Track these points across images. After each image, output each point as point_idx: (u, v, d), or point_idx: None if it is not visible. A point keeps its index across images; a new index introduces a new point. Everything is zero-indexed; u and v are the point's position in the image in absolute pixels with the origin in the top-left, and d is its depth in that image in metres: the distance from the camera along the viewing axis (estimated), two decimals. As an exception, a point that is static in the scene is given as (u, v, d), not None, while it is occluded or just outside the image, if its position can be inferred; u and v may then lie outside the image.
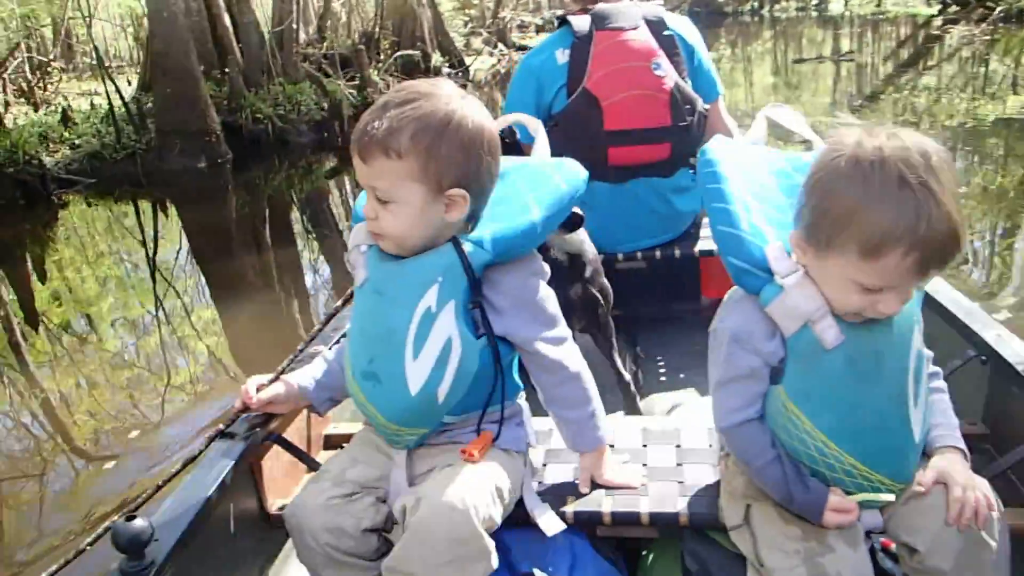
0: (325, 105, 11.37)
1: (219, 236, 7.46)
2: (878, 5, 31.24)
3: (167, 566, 1.26)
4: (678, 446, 1.60)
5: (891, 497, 1.21)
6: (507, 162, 1.40)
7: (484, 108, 1.30)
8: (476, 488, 1.28)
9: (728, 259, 1.23)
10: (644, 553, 1.53)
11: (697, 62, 2.42)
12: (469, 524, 1.23)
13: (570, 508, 1.43)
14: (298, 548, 1.42)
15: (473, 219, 1.34)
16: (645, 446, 1.61)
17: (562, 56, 2.31)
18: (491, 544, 1.27)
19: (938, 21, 21.39)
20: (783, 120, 1.47)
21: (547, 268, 1.40)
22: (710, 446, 1.58)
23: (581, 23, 2.31)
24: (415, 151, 1.21)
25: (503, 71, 18.96)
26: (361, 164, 1.25)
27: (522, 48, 22.23)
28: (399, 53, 14.26)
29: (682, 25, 2.40)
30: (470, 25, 22.17)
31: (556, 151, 1.56)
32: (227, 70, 10.80)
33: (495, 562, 1.28)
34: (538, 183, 1.39)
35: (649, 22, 2.32)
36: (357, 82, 12.40)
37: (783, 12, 33.10)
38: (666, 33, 2.33)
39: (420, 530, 1.23)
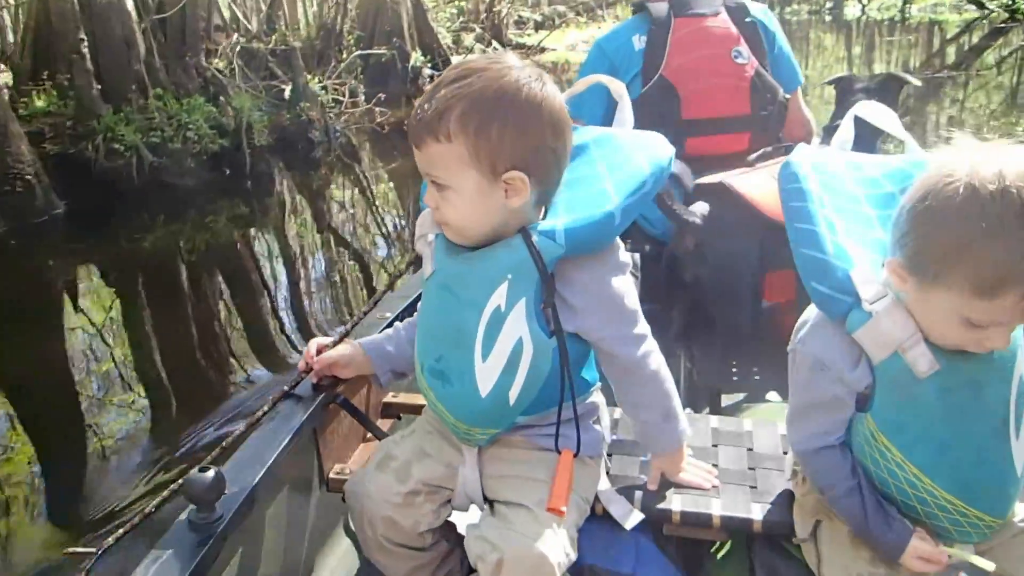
0: (247, 125, 7.37)
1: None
2: (901, 10, 28.30)
3: (235, 521, 1.22)
4: (750, 449, 1.49)
5: (990, 566, 1.06)
6: (587, 133, 1.30)
7: (550, 81, 1.14)
8: (558, 536, 1.17)
9: (811, 284, 1.11)
10: (713, 554, 1.43)
11: (778, 50, 2.25)
12: None
13: (637, 502, 1.35)
14: (355, 528, 1.39)
15: (544, 204, 1.20)
16: (715, 446, 1.51)
17: (639, 42, 2.16)
18: None
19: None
20: (874, 119, 1.31)
21: (628, 260, 1.24)
22: (784, 453, 1.45)
23: (659, 9, 2.16)
24: (464, 133, 1.09)
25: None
26: (416, 151, 1.14)
27: (519, 47, 19.09)
28: (357, 53, 10.58)
29: (762, 12, 2.24)
30: (461, 19, 18.52)
31: None
32: (71, 76, 6.73)
33: None
34: (619, 164, 1.24)
35: (730, 9, 2.18)
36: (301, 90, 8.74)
37: (794, 15, 30.23)
38: (748, 20, 2.17)
39: None
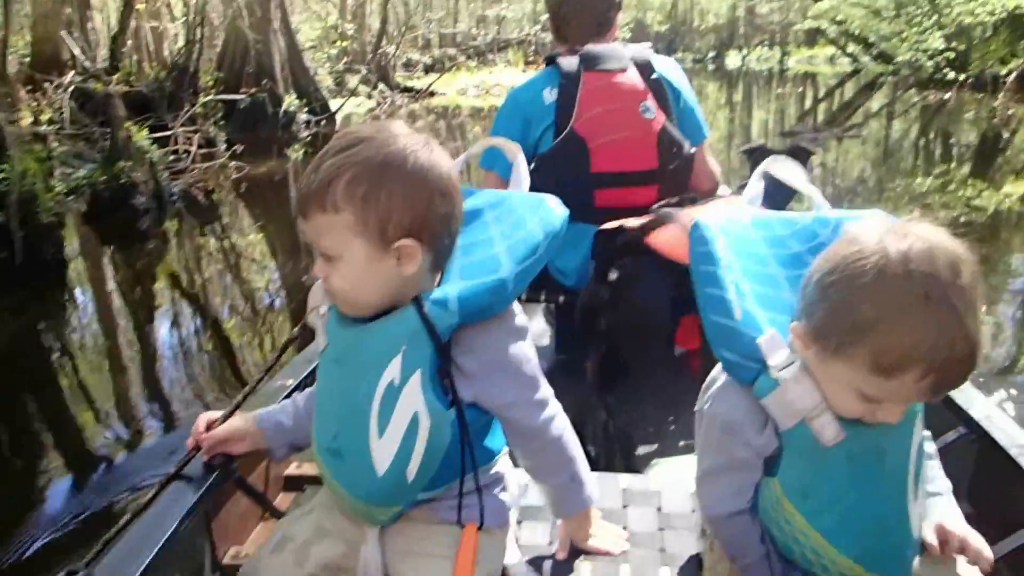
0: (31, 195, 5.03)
1: None
2: (780, 61, 29.09)
3: None
4: (659, 509, 1.48)
5: None
6: (481, 197, 1.27)
7: (438, 147, 1.11)
8: None
9: (720, 351, 1.09)
10: None
11: (684, 105, 2.22)
12: None
13: (546, 573, 1.31)
14: None
15: (439, 270, 1.15)
16: (625, 507, 1.48)
17: (550, 95, 2.13)
18: None
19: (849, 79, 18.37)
20: (783, 175, 1.34)
21: (526, 324, 1.18)
22: (692, 511, 1.45)
23: (569, 63, 2.13)
24: (352, 202, 1.04)
25: (383, 117, 14.54)
26: (303, 221, 1.09)
27: (407, 90, 18.08)
28: (212, 97, 9.13)
29: (669, 68, 2.20)
30: (345, 61, 17.31)
31: (542, 191, 1.37)
32: None
33: None
34: (512, 229, 1.20)
35: (638, 64, 2.13)
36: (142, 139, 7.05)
37: (680, 63, 30.58)
38: (654, 76, 2.13)
39: None
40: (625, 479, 1.57)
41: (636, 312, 2.00)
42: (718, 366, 1.14)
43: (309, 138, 11.48)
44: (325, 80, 15.41)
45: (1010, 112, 11.32)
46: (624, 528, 1.42)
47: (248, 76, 11.38)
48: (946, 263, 0.90)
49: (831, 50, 25.91)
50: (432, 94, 18.07)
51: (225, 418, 1.37)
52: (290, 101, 11.50)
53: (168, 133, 7.49)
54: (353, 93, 16.16)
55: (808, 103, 16.83)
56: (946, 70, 13.19)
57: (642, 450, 2.02)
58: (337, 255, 1.07)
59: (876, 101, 14.82)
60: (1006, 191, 7.03)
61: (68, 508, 2.79)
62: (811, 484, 1.06)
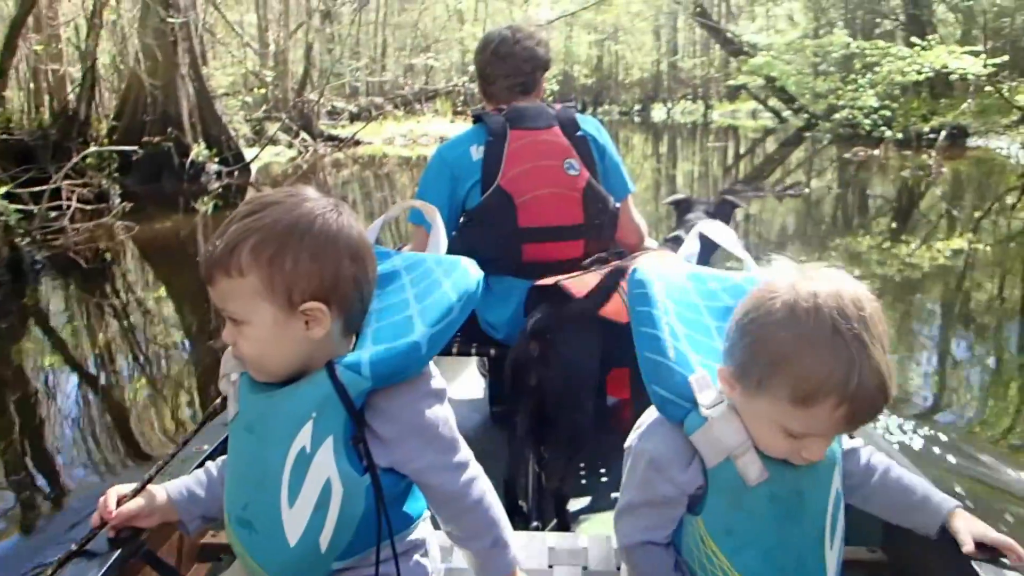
0: None
1: None
2: (704, 115, 29.53)
3: None
4: (584, 568, 1.47)
5: None
6: (397, 260, 1.26)
7: (347, 211, 1.10)
8: None
9: (652, 387, 1.12)
10: None
11: (608, 161, 2.28)
12: None
13: None
14: None
15: (351, 333, 1.13)
16: (551, 567, 1.47)
17: (477, 152, 2.17)
18: None
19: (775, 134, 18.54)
20: (716, 238, 1.40)
21: (443, 386, 1.16)
22: (617, 569, 1.43)
23: (495, 121, 2.18)
24: (256, 266, 1.02)
25: (305, 167, 13.78)
26: (209, 287, 1.07)
27: (332, 139, 17.32)
28: (93, 150, 8.17)
29: (593, 126, 2.28)
30: (264, 108, 16.45)
31: (471, 246, 1.44)
32: None
33: None
34: (426, 291, 1.18)
35: (562, 123, 2.19)
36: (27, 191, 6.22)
37: (606, 115, 30.88)
38: (579, 134, 2.20)
39: None
40: (552, 538, 1.56)
41: (566, 366, 1.99)
42: (650, 408, 1.16)
43: (220, 190, 10.60)
44: (242, 129, 14.53)
45: (943, 170, 11.26)
46: None
47: (152, 124, 10.44)
48: (851, 300, 0.97)
49: (753, 104, 26.35)
50: (358, 143, 17.37)
51: (135, 492, 1.28)
52: (198, 151, 10.59)
53: (44, 188, 6.45)
54: (272, 141, 15.32)
55: (732, 156, 16.79)
56: (882, 128, 13.23)
57: (572, 504, 2.01)
58: (244, 319, 1.05)
59: (801, 156, 14.81)
60: (940, 247, 6.92)
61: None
62: (733, 523, 1.08)
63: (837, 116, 15.02)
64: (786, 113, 21.59)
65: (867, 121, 13.80)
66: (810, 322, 0.96)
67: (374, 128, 18.77)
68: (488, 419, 2.36)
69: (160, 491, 1.27)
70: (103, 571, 1.22)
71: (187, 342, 4.91)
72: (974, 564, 1.20)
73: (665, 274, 1.23)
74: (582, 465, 2.15)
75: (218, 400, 1.34)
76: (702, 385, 1.08)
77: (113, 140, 9.20)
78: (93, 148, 8.09)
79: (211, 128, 11.20)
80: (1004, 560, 1.21)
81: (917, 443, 3.14)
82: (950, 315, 5.10)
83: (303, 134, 16.40)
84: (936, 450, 3.09)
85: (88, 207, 7.38)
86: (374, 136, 18.17)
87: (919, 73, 13.15)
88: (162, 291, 6.23)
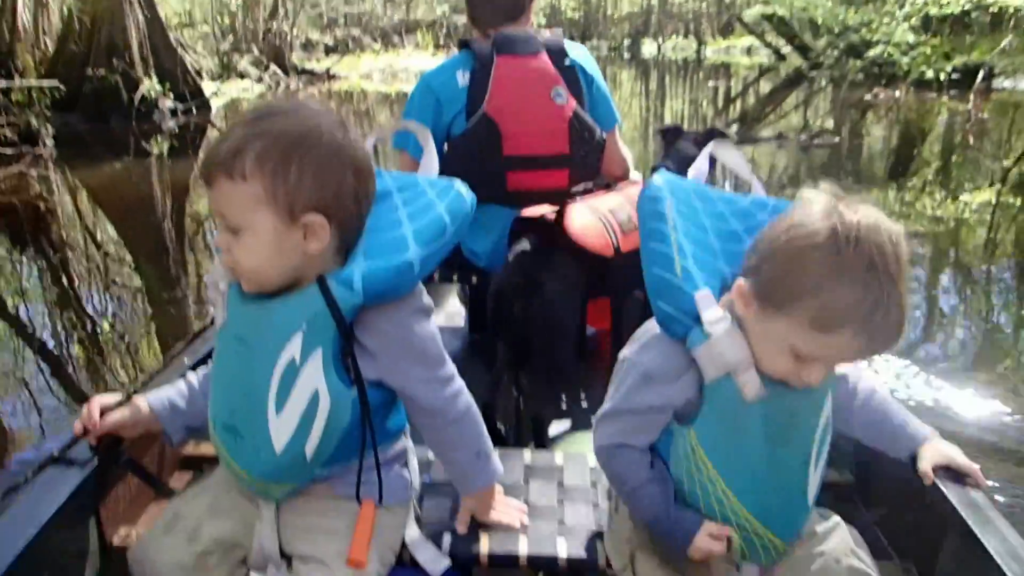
0: None
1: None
2: (697, 51, 28.14)
3: None
4: (561, 483, 1.48)
5: (780, 542, 1.14)
6: (390, 180, 1.22)
7: (353, 130, 1.09)
8: None
9: (657, 303, 1.11)
10: None
11: (596, 91, 2.23)
12: None
13: (446, 546, 1.28)
14: None
15: (344, 250, 1.11)
16: (527, 482, 1.47)
17: (463, 78, 2.10)
18: None
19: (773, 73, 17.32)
20: (726, 159, 1.39)
21: (431, 304, 1.17)
22: (592, 484, 1.47)
23: (482, 47, 2.10)
24: (261, 173, 1.01)
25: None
26: (208, 189, 1.05)
27: (305, 73, 15.97)
28: (20, 83, 6.98)
29: (582, 55, 2.21)
30: (230, 39, 15.05)
31: (455, 174, 1.35)
32: None
33: None
34: (419, 212, 1.16)
35: (550, 50, 2.11)
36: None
37: (594, 51, 29.32)
38: (567, 62, 2.12)
39: None
40: (529, 455, 1.56)
41: (548, 297, 1.98)
42: (648, 322, 1.16)
43: (176, 129, 9.44)
44: (205, 62, 13.19)
45: (983, 115, 10.12)
46: (525, 502, 1.40)
47: (96, 55, 9.17)
48: (888, 236, 0.97)
49: (749, 41, 25.00)
50: (333, 77, 16.06)
51: (119, 404, 1.27)
52: (149, 86, 9.35)
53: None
54: (240, 75, 14.00)
55: (730, 95, 15.61)
56: (922, 68, 11.90)
57: (551, 429, 2.00)
58: (242, 226, 1.03)
59: (809, 97, 13.62)
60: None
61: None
62: (726, 438, 1.09)
63: (871, 53, 13.39)
64: (786, 50, 20.32)
65: (905, 59, 12.37)
66: (850, 252, 0.95)
67: (351, 62, 17.44)
68: (468, 346, 2.35)
69: (143, 402, 1.26)
70: (84, 477, 1.23)
71: (141, 294, 4.52)
72: (937, 487, 1.23)
73: (676, 191, 1.21)
74: (562, 393, 2.16)
75: (208, 321, 1.32)
76: (707, 303, 1.07)
77: (45, 74, 7.95)
78: (1, 83, 6.84)
79: (164, 61, 9.92)
80: (967, 483, 1.24)
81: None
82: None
83: (274, 67, 15.05)
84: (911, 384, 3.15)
85: (9, 151, 6.27)
86: (350, 71, 16.87)
87: (960, 4, 11.70)
88: (104, 239, 5.46)
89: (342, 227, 1.06)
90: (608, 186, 2.20)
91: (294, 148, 1.00)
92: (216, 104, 11.01)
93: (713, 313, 1.06)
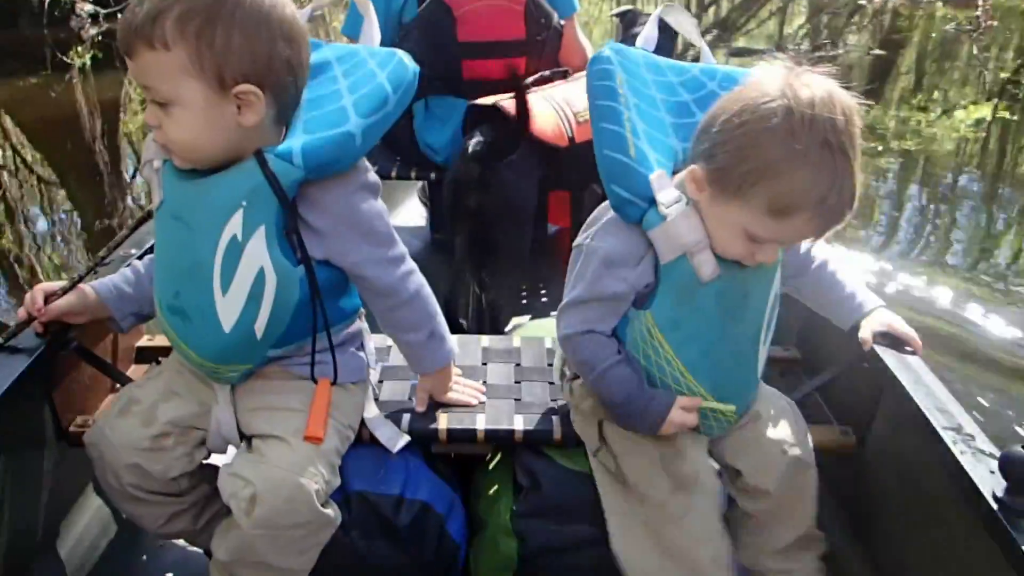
0: None
1: None
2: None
3: None
4: (517, 364, 1.50)
5: (732, 407, 1.17)
6: (329, 50, 1.18)
7: None
8: (315, 464, 1.10)
9: (611, 187, 1.09)
10: (484, 467, 1.40)
11: None
12: (311, 508, 1.09)
13: (405, 425, 1.30)
14: (100, 480, 1.25)
15: (282, 124, 1.08)
16: (485, 364, 1.50)
17: None
18: (333, 511, 1.14)
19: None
20: (676, 24, 1.37)
21: (377, 181, 1.14)
22: (548, 365, 1.47)
23: None
24: (183, 38, 0.96)
25: None
26: (129, 61, 1.00)
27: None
28: None
29: None
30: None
31: None
32: None
33: (339, 520, 1.16)
34: (360, 82, 1.13)
35: None
36: None
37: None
38: None
39: (261, 523, 1.07)
40: (486, 339, 1.57)
41: (505, 190, 1.92)
42: (601, 206, 1.15)
43: (100, 37, 8.26)
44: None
45: (992, 23, 9.14)
46: (483, 383, 1.41)
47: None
48: (842, 110, 0.95)
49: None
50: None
51: (64, 291, 1.25)
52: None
53: None
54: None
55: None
56: None
57: (508, 318, 2.04)
58: (170, 99, 0.99)
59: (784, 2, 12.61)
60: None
61: None
62: (681, 317, 1.10)
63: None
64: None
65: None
66: (804, 134, 0.93)
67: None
68: (429, 245, 2.28)
69: (89, 289, 1.25)
70: (30, 362, 1.21)
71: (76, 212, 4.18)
72: (876, 353, 1.26)
73: (626, 64, 1.16)
74: (523, 288, 2.13)
75: (152, 206, 1.20)
76: (661, 184, 1.06)
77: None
78: None
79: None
80: (905, 350, 1.28)
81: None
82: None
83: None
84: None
85: None
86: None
87: None
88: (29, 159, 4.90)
89: (278, 97, 1.03)
90: (565, 74, 2.11)
91: (217, 10, 0.95)
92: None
93: (668, 195, 1.05)
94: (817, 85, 0.96)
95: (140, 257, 1.41)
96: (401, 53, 1.17)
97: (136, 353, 1.57)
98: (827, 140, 0.93)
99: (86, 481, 1.44)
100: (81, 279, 1.28)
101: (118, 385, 1.44)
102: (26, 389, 1.22)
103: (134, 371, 1.54)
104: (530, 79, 2.01)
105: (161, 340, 1.55)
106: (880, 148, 4.98)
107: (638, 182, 1.06)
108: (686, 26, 1.34)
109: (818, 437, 1.25)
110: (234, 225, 1.03)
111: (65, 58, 7.50)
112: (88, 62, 7.53)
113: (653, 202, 1.05)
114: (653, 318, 1.10)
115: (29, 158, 5.12)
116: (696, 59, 1.38)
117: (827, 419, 1.43)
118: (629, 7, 2.52)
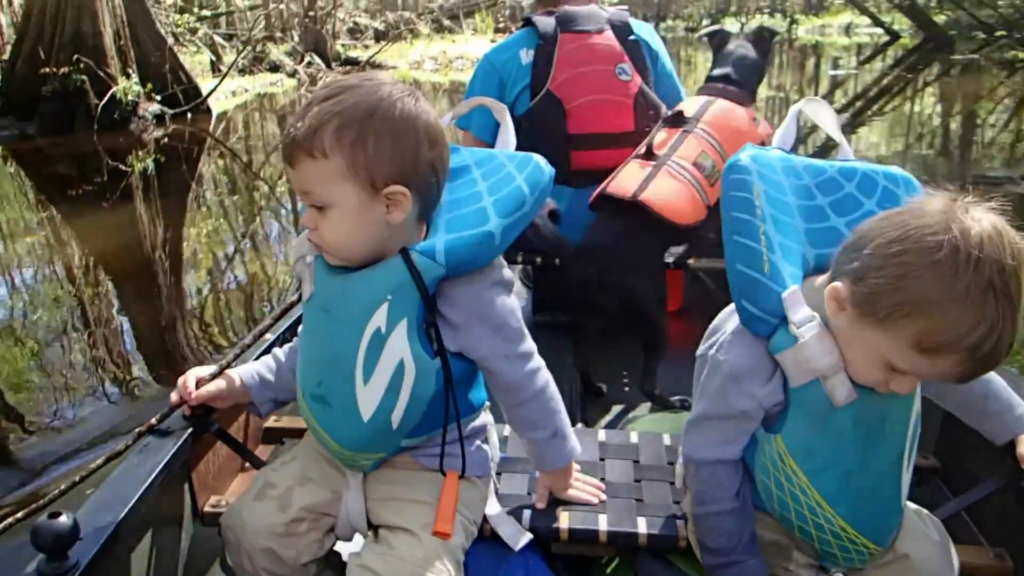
0: None
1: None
2: (788, 29, 24.99)
3: (92, 569, 1.07)
4: (636, 461, 1.43)
5: (874, 546, 1.08)
6: (468, 154, 1.20)
7: (423, 98, 1.08)
8: (442, 559, 1.10)
9: (742, 302, 1.04)
10: (603, 568, 1.34)
11: (661, 68, 2.20)
12: None
13: (526, 522, 1.26)
14: (232, 563, 1.25)
15: (425, 221, 1.12)
16: (603, 459, 1.43)
17: (526, 56, 2.07)
18: None
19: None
20: (817, 118, 1.26)
21: (512, 277, 1.15)
22: (669, 464, 1.41)
23: (546, 24, 2.07)
24: (340, 147, 1.00)
25: (302, 99, 10.41)
26: (290, 170, 1.05)
27: (350, 62, 13.85)
28: None
29: (646, 31, 2.19)
30: (258, 25, 13.01)
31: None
32: None
33: None
34: (499, 184, 1.14)
35: (614, 26, 2.09)
36: None
37: (669, 32, 26.44)
38: (631, 38, 2.09)
39: None
40: (603, 433, 1.53)
41: (628, 276, 1.86)
42: (724, 312, 1.12)
43: (166, 139, 7.36)
44: (226, 54, 11.17)
45: None
46: (602, 479, 1.37)
47: (60, 49, 7.14)
48: (1012, 252, 0.86)
49: (847, 18, 21.71)
50: (378, 67, 13.84)
51: (213, 376, 1.29)
52: (123, 86, 7.25)
53: None
54: (275, 69, 11.98)
55: (845, 77, 12.68)
56: None
57: (619, 408, 1.97)
58: (328, 202, 1.03)
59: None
60: None
61: (44, 458, 2.45)
62: (815, 443, 1.03)
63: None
64: (897, 27, 17.11)
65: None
66: (969, 275, 0.84)
67: (399, 50, 15.21)
68: (532, 328, 1.82)
69: (235, 374, 1.28)
70: (178, 445, 1.25)
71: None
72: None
73: (763, 171, 1.09)
74: (628, 372, 2.07)
75: (296, 296, 1.28)
76: (794, 301, 1.00)
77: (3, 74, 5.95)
78: None
79: (148, 52, 7.81)
80: None
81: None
82: None
83: (312, 56, 12.96)
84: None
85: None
86: (398, 59, 14.62)
87: None
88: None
89: (422, 196, 1.06)
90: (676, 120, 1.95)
91: (369, 121, 1.00)
92: (236, 102, 8.89)
93: (802, 314, 0.98)
94: (986, 221, 0.86)
95: (278, 342, 1.48)
96: (538, 157, 1.18)
97: (263, 433, 1.58)
98: (992, 282, 0.84)
99: (212, 560, 1.40)
100: (229, 364, 1.30)
101: (247, 464, 1.46)
102: (172, 471, 1.24)
103: (261, 450, 1.56)
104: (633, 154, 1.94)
105: (288, 421, 1.58)
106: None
107: (770, 299, 1.00)
108: (826, 119, 1.22)
109: (966, 558, 1.16)
110: (379, 318, 1.05)
111: (121, 165, 6.59)
112: (151, 168, 6.61)
113: (784, 319, 0.99)
114: (785, 444, 1.02)
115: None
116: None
117: (975, 538, 1.33)
118: (718, 27, 2.31)
